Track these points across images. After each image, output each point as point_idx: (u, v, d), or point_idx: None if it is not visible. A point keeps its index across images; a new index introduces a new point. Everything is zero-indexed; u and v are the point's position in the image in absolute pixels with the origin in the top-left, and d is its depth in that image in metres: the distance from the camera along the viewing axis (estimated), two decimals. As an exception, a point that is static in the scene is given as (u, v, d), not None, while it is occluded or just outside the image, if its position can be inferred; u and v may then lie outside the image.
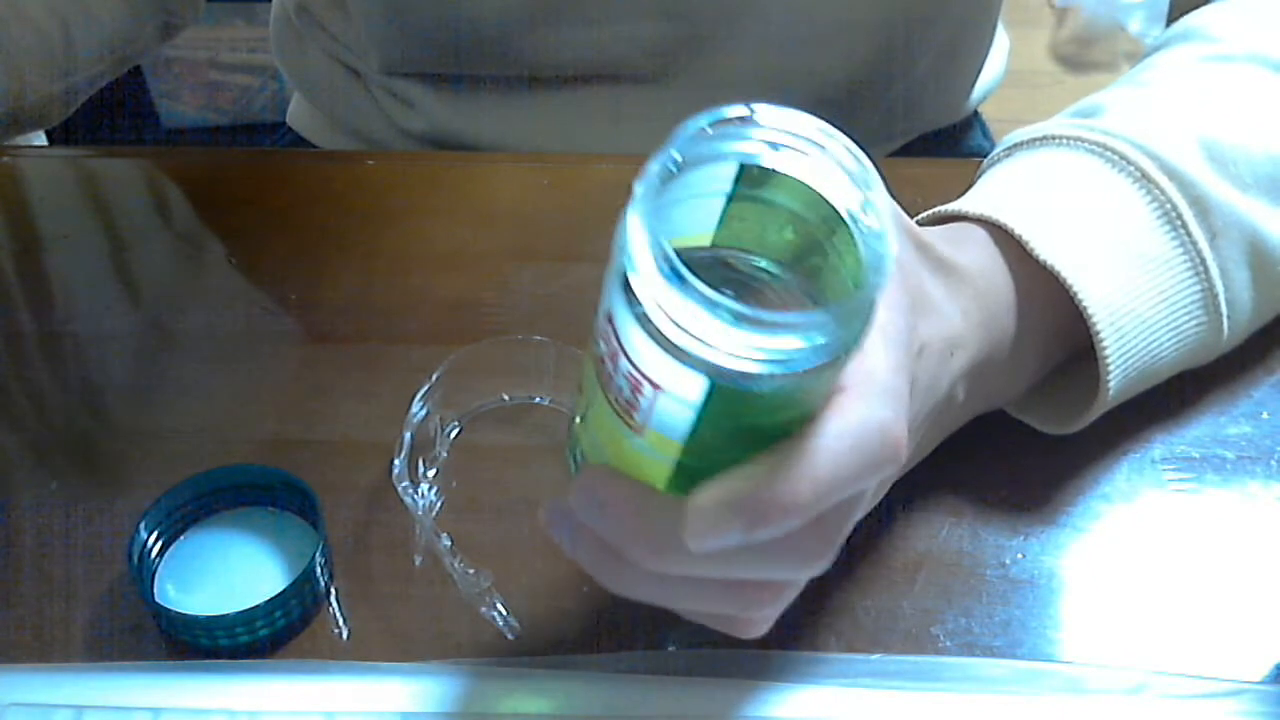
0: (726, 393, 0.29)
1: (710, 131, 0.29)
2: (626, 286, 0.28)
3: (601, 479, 0.33)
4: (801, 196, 0.30)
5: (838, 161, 0.30)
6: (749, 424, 0.30)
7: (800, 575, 0.34)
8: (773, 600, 0.35)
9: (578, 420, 0.35)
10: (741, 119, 0.30)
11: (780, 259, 0.32)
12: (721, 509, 0.31)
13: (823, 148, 0.30)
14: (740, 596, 0.34)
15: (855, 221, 0.30)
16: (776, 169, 0.30)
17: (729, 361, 0.28)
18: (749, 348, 0.28)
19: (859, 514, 0.35)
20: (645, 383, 0.30)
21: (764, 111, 0.30)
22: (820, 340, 0.28)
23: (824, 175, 0.30)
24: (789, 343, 0.28)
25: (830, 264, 0.31)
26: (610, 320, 0.30)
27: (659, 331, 0.28)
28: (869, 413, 0.32)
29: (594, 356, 0.32)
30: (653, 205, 0.28)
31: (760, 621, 0.37)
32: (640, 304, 0.28)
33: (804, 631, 0.42)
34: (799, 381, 0.29)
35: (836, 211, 0.30)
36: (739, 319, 0.27)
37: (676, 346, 0.28)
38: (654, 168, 0.29)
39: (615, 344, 0.30)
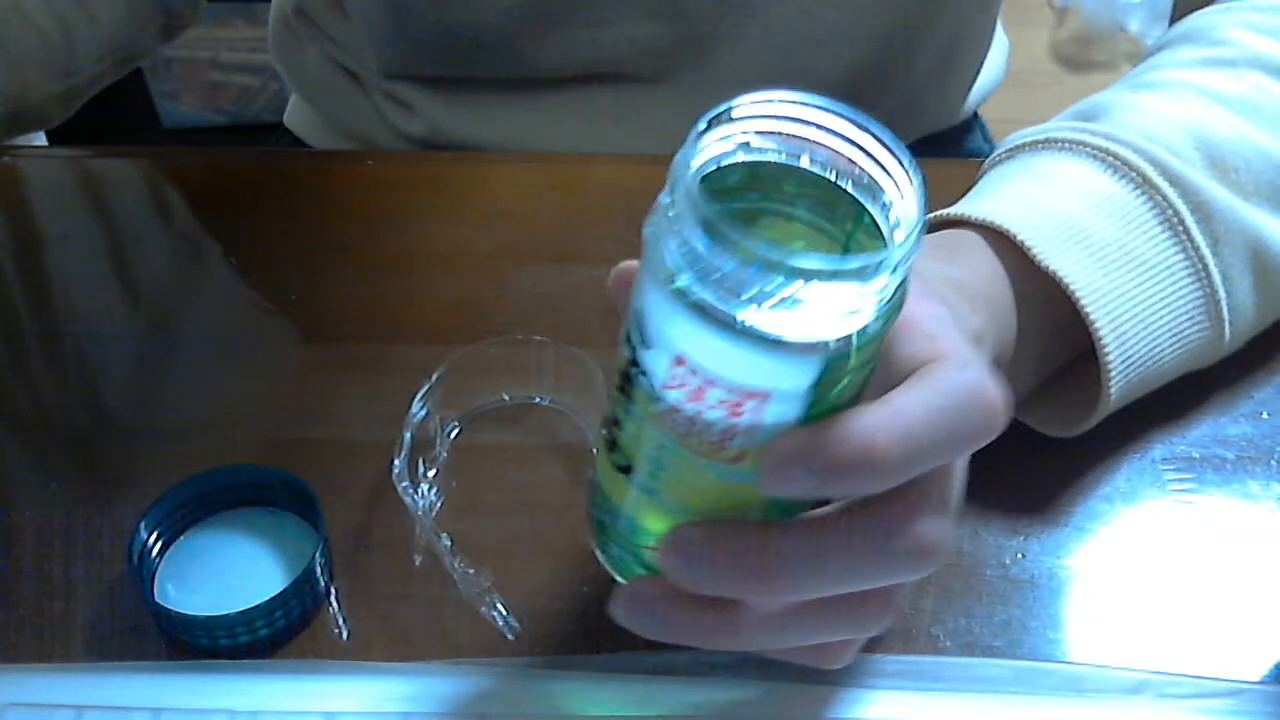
0: (834, 363, 0.28)
1: (697, 141, 0.29)
2: (704, 314, 0.27)
3: (698, 534, 0.32)
4: (785, 178, 0.30)
5: (821, 127, 0.30)
6: (844, 394, 0.30)
7: (919, 568, 0.33)
8: (884, 611, 0.34)
9: (625, 501, 0.34)
10: (717, 118, 0.29)
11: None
12: (796, 451, 0.30)
13: (798, 119, 0.30)
14: (855, 615, 0.34)
15: (840, 176, 0.30)
16: (747, 161, 0.30)
17: (843, 326, 0.28)
18: (855, 301, 0.27)
19: (959, 492, 0.34)
20: (748, 399, 0.29)
21: (740, 106, 0.29)
22: (900, 275, 0.28)
23: (808, 150, 0.30)
24: (881, 282, 0.27)
25: (831, 236, 0.31)
26: (683, 363, 0.29)
27: (764, 335, 0.27)
28: (960, 375, 0.31)
29: (654, 417, 0.30)
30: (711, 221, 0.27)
31: (853, 648, 0.36)
32: (737, 319, 0.27)
33: (804, 631, 0.42)
34: (885, 326, 0.29)
35: (827, 180, 0.30)
36: (858, 273, 0.27)
37: (788, 342, 0.27)
38: (688, 186, 0.28)
39: (702, 379, 0.29)
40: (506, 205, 0.60)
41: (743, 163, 0.30)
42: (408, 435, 0.46)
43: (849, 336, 0.28)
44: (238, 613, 0.40)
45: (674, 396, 0.30)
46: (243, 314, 0.55)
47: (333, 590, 0.43)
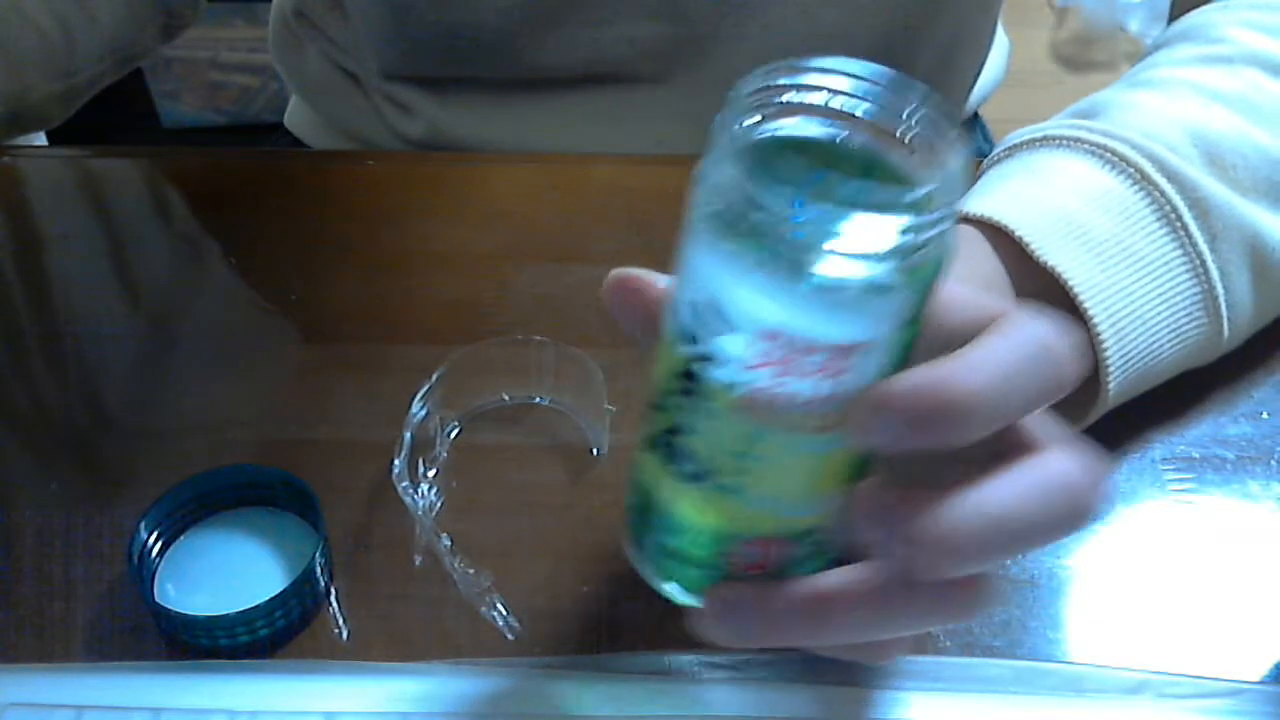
0: (914, 301, 0.28)
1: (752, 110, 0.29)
2: (798, 278, 0.27)
3: (859, 497, 0.31)
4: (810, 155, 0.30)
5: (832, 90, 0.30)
6: (913, 339, 0.30)
7: (1081, 520, 0.32)
8: (985, 594, 0.33)
9: (698, 512, 0.33)
10: (746, 93, 0.29)
11: None
12: (888, 399, 0.29)
13: (812, 87, 0.30)
14: (957, 599, 0.33)
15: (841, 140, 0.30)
16: (780, 137, 0.30)
17: (918, 260, 0.27)
18: (926, 234, 0.27)
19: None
20: (845, 355, 0.28)
21: (761, 78, 0.30)
22: (961, 198, 0.28)
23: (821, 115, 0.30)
24: (948, 208, 0.27)
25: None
26: (776, 337, 0.28)
27: (860, 282, 0.27)
28: (1031, 327, 0.31)
29: (735, 406, 0.30)
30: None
31: (906, 644, 0.36)
32: (832, 274, 0.27)
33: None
34: (947, 260, 0.29)
35: (851, 147, 0.30)
36: (930, 202, 0.27)
37: (880, 283, 0.27)
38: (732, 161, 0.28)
39: (797, 347, 0.28)
40: (506, 205, 0.60)
41: (774, 138, 0.30)
42: (408, 435, 0.46)
43: (925, 270, 0.28)
44: (238, 613, 0.40)
45: (763, 375, 0.29)
46: (243, 314, 0.55)
47: (333, 590, 0.43)
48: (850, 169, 0.30)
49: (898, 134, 0.30)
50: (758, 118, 0.29)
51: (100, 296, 0.56)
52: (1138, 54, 0.55)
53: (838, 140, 0.30)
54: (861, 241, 0.27)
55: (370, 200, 0.61)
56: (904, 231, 0.27)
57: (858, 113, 0.30)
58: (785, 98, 0.30)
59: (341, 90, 0.75)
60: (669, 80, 0.68)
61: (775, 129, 0.30)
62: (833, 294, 0.27)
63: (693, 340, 0.30)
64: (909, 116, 0.30)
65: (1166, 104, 0.47)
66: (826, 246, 0.27)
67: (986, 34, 0.76)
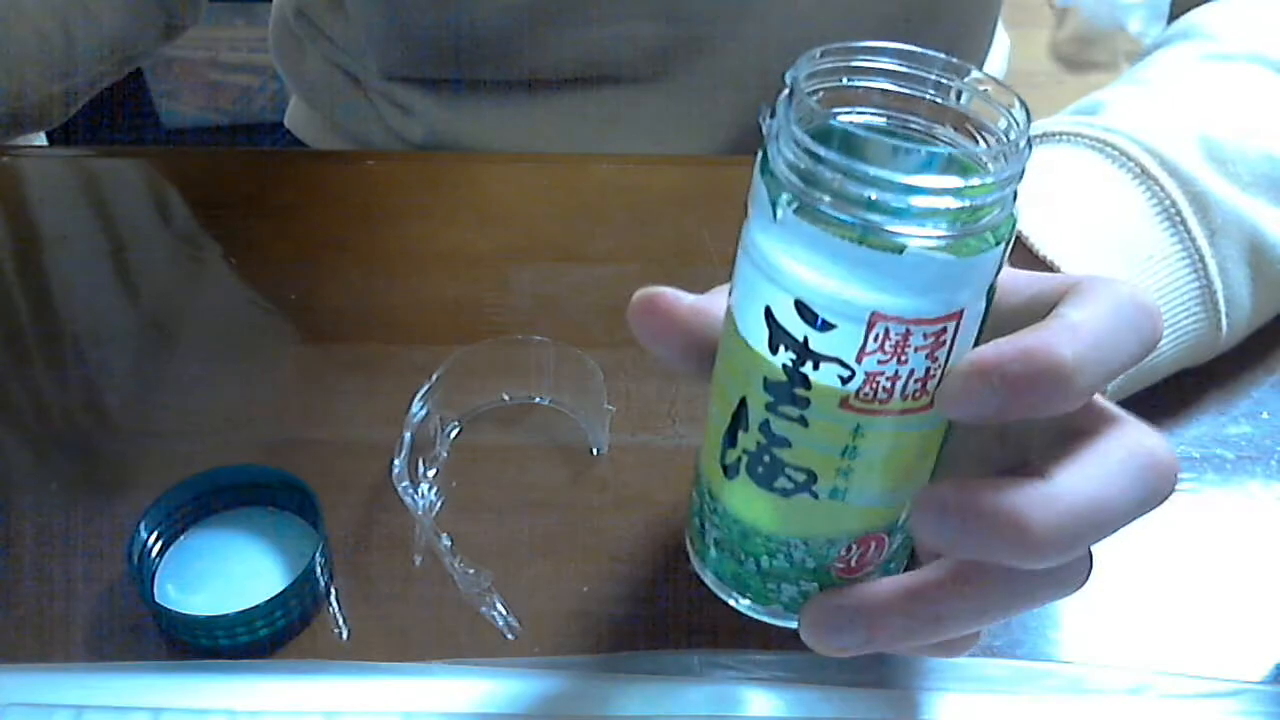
0: (1000, 260, 0.28)
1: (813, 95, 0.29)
2: (900, 253, 0.27)
3: (944, 493, 0.29)
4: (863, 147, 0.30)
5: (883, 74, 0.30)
6: (994, 289, 0.29)
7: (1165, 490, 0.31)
8: (1085, 564, 0.32)
9: (803, 524, 0.32)
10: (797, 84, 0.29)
11: None
12: (984, 366, 0.28)
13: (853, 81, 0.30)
14: (1059, 573, 0.31)
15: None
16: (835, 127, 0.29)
17: (997, 218, 0.27)
18: (1004, 191, 0.27)
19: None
20: (946, 325, 0.28)
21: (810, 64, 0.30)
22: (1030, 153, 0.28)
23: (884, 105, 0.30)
24: (1023, 161, 0.28)
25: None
26: (882, 317, 0.27)
27: (957, 247, 0.27)
28: (1119, 287, 0.30)
29: (846, 402, 0.29)
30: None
31: (977, 638, 0.35)
32: (932, 242, 0.27)
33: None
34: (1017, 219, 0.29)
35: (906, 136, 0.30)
36: (1011, 156, 0.27)
37: (976, 245, 0.27)
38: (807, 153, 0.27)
39: (905, 324, 0.27)
40: (506, 205, 0.60)
41: (843, 122, 0.30)
42: (408, 435, 0.46)
43: (1010, 224, 0.28)
44: (238, 613, 0.40)
45: (872, 363, 0.28)
46: (243, 314, 0.55)
47: (333, 590, 0.43)
48: (920, 140, 0.30)
49: (954, 102, 0.30)
50: (821, 104, 0.29)
51: (100, 296, 0.56)
52: (1137, 54, 0.55)
53: (903, 117, 0.30)
54: (954, 204, 0.27)
55: (370, 200, 0.61)
56: (989, 188, 0.27)
57: (913, 89, 0.30)
58: (843, 81, 0.30)
59: (341, 90, 0.75)
60: (669, 80, 0.68)
61: (840, 112, 0.30)
62: (934, 262, 0.27)
63: (786, 346, 0.29)
64: (963, 86, 0.30)
65: (1166, 101, 0.47)
66: (922, 214, 0.26)
67: (987, 34, 0.76)
